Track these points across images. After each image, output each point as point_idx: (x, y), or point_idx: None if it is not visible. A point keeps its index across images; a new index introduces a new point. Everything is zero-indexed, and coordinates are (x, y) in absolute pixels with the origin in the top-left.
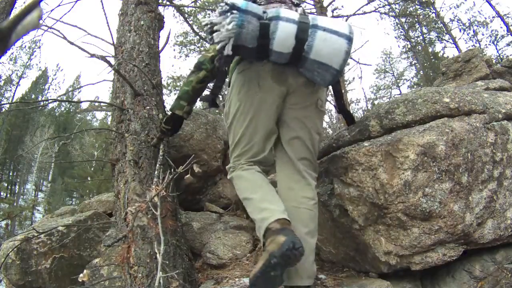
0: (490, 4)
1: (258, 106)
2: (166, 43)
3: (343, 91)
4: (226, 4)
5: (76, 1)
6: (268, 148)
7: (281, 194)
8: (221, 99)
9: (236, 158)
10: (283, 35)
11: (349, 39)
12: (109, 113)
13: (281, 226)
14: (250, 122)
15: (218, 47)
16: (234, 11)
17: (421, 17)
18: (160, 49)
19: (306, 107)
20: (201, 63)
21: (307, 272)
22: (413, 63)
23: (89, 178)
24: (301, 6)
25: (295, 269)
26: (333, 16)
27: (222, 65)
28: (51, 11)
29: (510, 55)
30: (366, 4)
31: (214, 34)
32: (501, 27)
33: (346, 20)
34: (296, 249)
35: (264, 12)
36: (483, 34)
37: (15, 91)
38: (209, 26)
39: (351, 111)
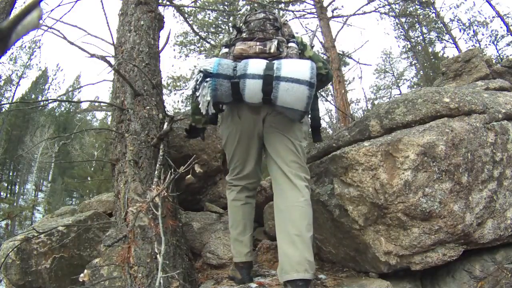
0: (490, 4)
1: (241, 133)
2: (166, 43)
3: (343, 91)
4: (200, 71)
5: (76, 1)
6: (252, 164)
7: (276, 197)
8: None
9: (231, 171)
10: (251, 92)
11: (310, 85)
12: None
13: (243, 265)
14: (237, 145)
15: (203, 112)
16: (208, 79)
17: (421, 17)
18: (160, 49)
19: (284, 123)
20: None
21: (303, 266)
22: (413, 63)
23: (89, 178)
24: (279, 33)
25: (291, 264)
26: (333, 16)
27: (212, 119)
28: (51, 11)
29: (510, 55)
30: (366, 4)
31: (200, 105)
32: (501, 27)
33: (346, 20)
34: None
35: (234, 68)
36: (483, 34)
37: (15, 91)
38: (192, 91)
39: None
